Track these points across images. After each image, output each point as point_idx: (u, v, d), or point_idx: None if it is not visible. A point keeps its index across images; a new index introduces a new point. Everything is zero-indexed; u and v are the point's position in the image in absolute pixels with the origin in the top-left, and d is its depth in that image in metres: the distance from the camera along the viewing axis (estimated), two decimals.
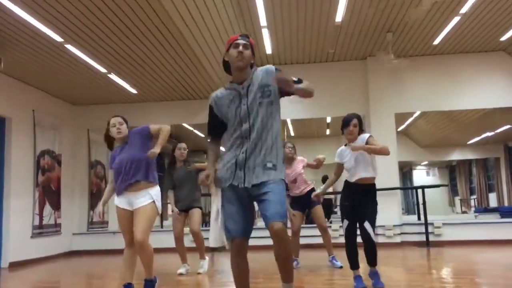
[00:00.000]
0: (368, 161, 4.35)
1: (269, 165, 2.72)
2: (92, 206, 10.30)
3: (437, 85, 9.48)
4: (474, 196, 21.69)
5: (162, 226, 11.38)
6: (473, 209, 20.07)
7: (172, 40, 6.82)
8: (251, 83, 2.82)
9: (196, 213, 5.92)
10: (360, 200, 4.31)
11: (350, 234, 4.37)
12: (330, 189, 13.38)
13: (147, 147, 4.21)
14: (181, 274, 5.78)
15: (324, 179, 12.62)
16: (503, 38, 8.66)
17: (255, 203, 2.85)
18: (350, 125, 4.38)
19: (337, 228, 8.90)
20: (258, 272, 5.64)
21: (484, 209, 16.92)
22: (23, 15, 5.70)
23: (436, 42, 8.71)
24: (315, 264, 6.36)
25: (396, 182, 9.33)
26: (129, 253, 4.23)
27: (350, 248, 4.40)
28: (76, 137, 10.17)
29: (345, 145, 4.53)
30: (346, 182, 4.48)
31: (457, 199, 23.60)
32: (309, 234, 8.25)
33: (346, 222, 4.38)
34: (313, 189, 6.12)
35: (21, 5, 5.49)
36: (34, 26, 5.99)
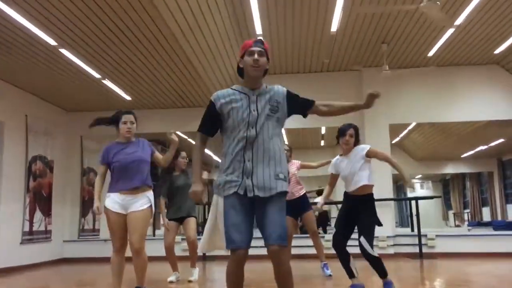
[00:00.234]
0: (360, 171, 4.31)
1: (281, 175, 2.68)
2: (84, 213, 10.22)
3: (431, 97, 9.52)
4: (468, 210, 21.71)
5: (154, 235, 11.30)
6: (466, 223, 20.07)
7: (168, 47, 6.82)
8: (263, 92, 2.76)
9: (192, 221, 5.89)
10: (358, 211, 4.27)
11: (336, 243, 4.32)
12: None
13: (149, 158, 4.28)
14: (171, 282, 5.71)
15: (320, 193, 12.58)
16: (497, 51, 8.71)
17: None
18: (346, 135, 4.36)
19: (329, 239, 8.83)
20: (250, 282, 5.57)
21: (477, 223, 16.96)
22: (17, 17, 5.67)
23: (430, 54, 8.75)
24: (307, 273, 6.31)
25: (390, 194, 9.32)
26: (117, 260, 4.12)
27: (340, 257, 4.33)
28: (69, 144, 10.10)
29: (340, 155, 4.51)
30: (345, 193, 4.46)
31: (450, 213, 23.62)
32: (301, 244, 8.20)
33: (334, 230, 4.39)
34: (305, 194, 6.11)
35: (14, 7, 5.46)
36: (28, 29, 5.96)
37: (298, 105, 2.87)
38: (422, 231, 8.81)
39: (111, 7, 5.58)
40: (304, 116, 2.94)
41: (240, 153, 2.65)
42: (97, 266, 8.54)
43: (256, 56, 2.68)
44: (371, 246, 4.11)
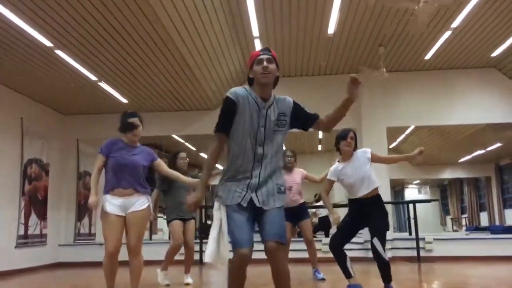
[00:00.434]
0: (369, 174, 4.30)
1: (282, 188, 2.71)
2: (80, 217, 10.15)
3: (428, 100, 9.53)
4: (465, 215, 21.71)
5: (151, 239, 11.23)
6: (464, 228, 20.06)
7: (164, 48, 6.80)
8: (273, 106, 2.71)
9: (192, 225, 5.83)
10: (369, 214, 4.22)
11: (334, 245, 4.28)
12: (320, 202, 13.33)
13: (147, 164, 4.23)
14: (188, 284, 5.64)
15: (318, 198, 12.53)
16: (494, 54, 8.72)
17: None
18: (348, 137, 4.36)
19: (326, 242, 8.78)
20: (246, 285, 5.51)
21: (475, 228, 16.95)
22: (12, 18, 5.64)
23: (427, 57, 8.76)
24: (304, 277, 6.26)
25: (388, 198, 9.30)
26: (111, 263, 4.03)
27: (337, 257, 4.28)
28: (65, 147, 10.05)
29: (338, 161, 4.47)
30: (352, 200, 4.38)
31: (448, 218, 23.62)
32: (299, 248, 8.12)
33: (335, 231, 4.32)
34: (304, 203, 6.08)
35: (9, 7, 5.43)
36: (23, 29, 5.93)
37: (301, 119, 2.82)
38: (420, 235, 8.77)
39: (107, 8, 5.56)
40: (305, 130, 2.87)
41: (248, 168, 2.63)
42: (93, 270, 8.45)
43: (265, 63, 2.65)
44: (384, 249, 4.09)
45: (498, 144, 14.82)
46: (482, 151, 16.03)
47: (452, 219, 22.86)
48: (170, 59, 7.22)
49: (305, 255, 7.60)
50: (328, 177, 4.50)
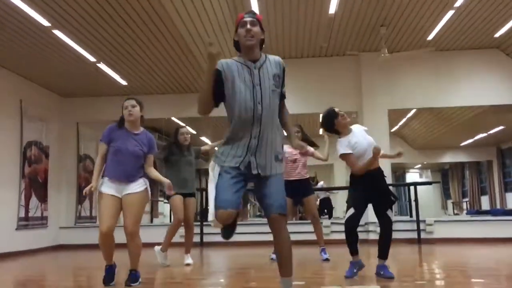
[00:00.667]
0: (373, 141, 4.28)
1: (280, 157, 2.75)
2: (81, 200, 10.15)
3: (430, 82, 9.43)
4: (467, 199, 21.71)
5: (152, 222, 11.26)
6: (465, 211, 20.07)
7: (164, 29, 6.71)
8: (264, 65, 2.73)
9: (193, 203, 5.78)
10: (375, 187, 4.19)
11: (354, 224, 4.18)
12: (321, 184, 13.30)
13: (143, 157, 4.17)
14: (188, 265, 5.62)
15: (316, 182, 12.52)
16: (497, 35, 8.61)
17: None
18: (339, 113, 4.31)
19: (328, 225, 8.80)
20: (249, 266, 5.54)
21: (476, 211, 16.96)
22: None
23: (430, 37, 8.65)
24: (304, 258, 6.26)
25: (389, 180, 9.23)
26: (106, 242, 4.01)
27: (353, 237, 4.23)
28: (64, 130, 10.00)
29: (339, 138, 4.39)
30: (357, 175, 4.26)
31: (449, 202, 23.64)
32: (300, 230, 8.12)
33: (351, 211, 4.14)
34: (309, 178, 6.02)
35: None
36: (20, 8, 5.82)
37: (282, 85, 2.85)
38: (421, 218, 8.75)
39: None
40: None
41: (248, 127, 2.66)
42: (94, 252, 8.43)
43: (248, 26, 2.67)
44: None
45: (501, 127, 14.75)
46: (484, 135, 15.96)
47: (453, 203, 22.88)
48: (169, 40, 7.13)
49: (306, 237, 7.63)
50: (342, 152, 4.25)
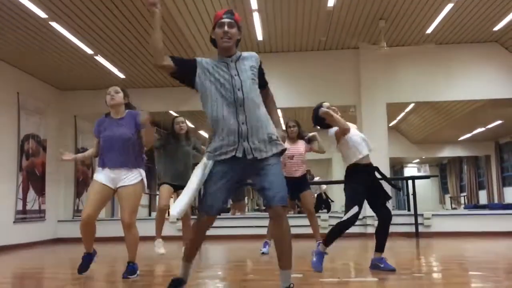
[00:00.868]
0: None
1: (274, 137, 2.75)
2: (79, 194, 10.14)
3: (429, 76, 9.41)
4: (464, 194, 21.76)
5: (150, 215, 11.25)
6: (463, 206, 20.13)
7: (162, 23, 6.66)
8: (240, 58, 2.83)
9: None
10: (372, 181, 4.20)
11: (354, 221, 4.08)
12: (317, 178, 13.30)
13: (136, 132, 4.09)
14: (162, 254, 5.52)
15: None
16: (496, 28, 8.58)
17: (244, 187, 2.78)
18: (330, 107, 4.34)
19: (326, 218, 8.81)
20: (245, 259, 5.52)
21: (474, 206, 17.00)
22: None
23: (429, 31, 8.62)
24: (302, 252, 6.25)
25: (387, 174, 9.22)
26: (85, 229, 4.02)
27: (343, 232, 4.16)
28: (62, 123, 9.98)
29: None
30: (353, 166, 4.21)
31: (447, 197, 23.69)
32: (298, 224, 8.11)
33: (355, 209, 4.03)
34: (306, 174, 6.00)
35: None
36: (17, 0, 5.79)
37: (260, 77, 2.89)
38: (419, 211, 8.75)
39: None
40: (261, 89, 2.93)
41: (233, 116, 2.68)
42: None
43: (226, 28, 2.73)
44: None
45: (499, 122, 14.76)
46: (483, 129, 15.97)
47: (451, 197, 22.93)
48: (167, 32, 7.09)
49: (304, 230, 7.62)
50: (346, 126, 4.24)
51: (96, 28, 6.82)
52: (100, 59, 8.03)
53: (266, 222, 6.61)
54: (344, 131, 4.20)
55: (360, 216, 8.18)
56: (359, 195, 4.13)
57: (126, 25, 6.75)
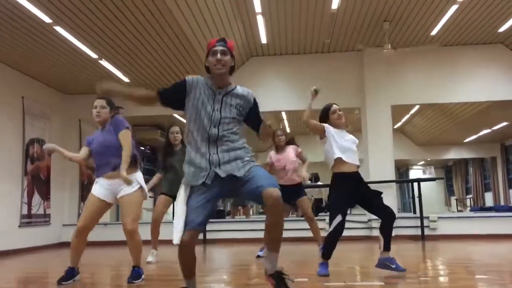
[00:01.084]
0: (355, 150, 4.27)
1: (247, 158, 2.74)
2: (83, 197, 10.14)
3: (434, 77, 9.38)
4: (470, 196, 21.63)
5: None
6: (468, 208, 20.01)
7: (165, 25, 6.69)
8: (230, 93, 2.82)
9: None
10: (360, 187, 4.15)
11: (342, 230, 4.05)
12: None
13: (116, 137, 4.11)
14: (149, 263, 5.50)
15: (316, 178, 12.46)
16: (501, 30, 8.55)
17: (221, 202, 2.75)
18: (337, 110, 4.31)
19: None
20: (252, 263, 5.50)
21: (480, 208, 16.90)
22: None
23: (433, 32, 8.59)
24: (303, 256, 6.23)
25: (392, 176, 9.22)
26: (77, 241, 4.06)
27: (336, 242, 4.13)
28: (67, 127, 10.00)
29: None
30: (337, 174, 4.20)
31: (453, 199, 23.56)
32: (298, 227, 8.07)
33: (339, 218, 4.00)
34: (301, 183, 5.94)
35: None
36: (21, 4, 5.82)
37: (253, 121, 2.90)
38: (424, 214, 8.70)
39: None
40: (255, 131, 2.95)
41: (205, 148, 2.72)
42: (96, 250, 8.47)
43: (219, 55, 2.75)
44: None
45: (505, 123, 14.66)
46: (488, 131, 15.87)
47: (456, 199, 22.80)
48: (171, 36, 7.10)
49: (304, 234, 7.60)
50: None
51: (100, 32, 6.83)
52: (104, 63, 8.04)
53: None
54: (316, 132, 4.29)
55: (365, 219, 8.28)
56: (342, 204, 4.11)
57: (131, 29, 6.75)
